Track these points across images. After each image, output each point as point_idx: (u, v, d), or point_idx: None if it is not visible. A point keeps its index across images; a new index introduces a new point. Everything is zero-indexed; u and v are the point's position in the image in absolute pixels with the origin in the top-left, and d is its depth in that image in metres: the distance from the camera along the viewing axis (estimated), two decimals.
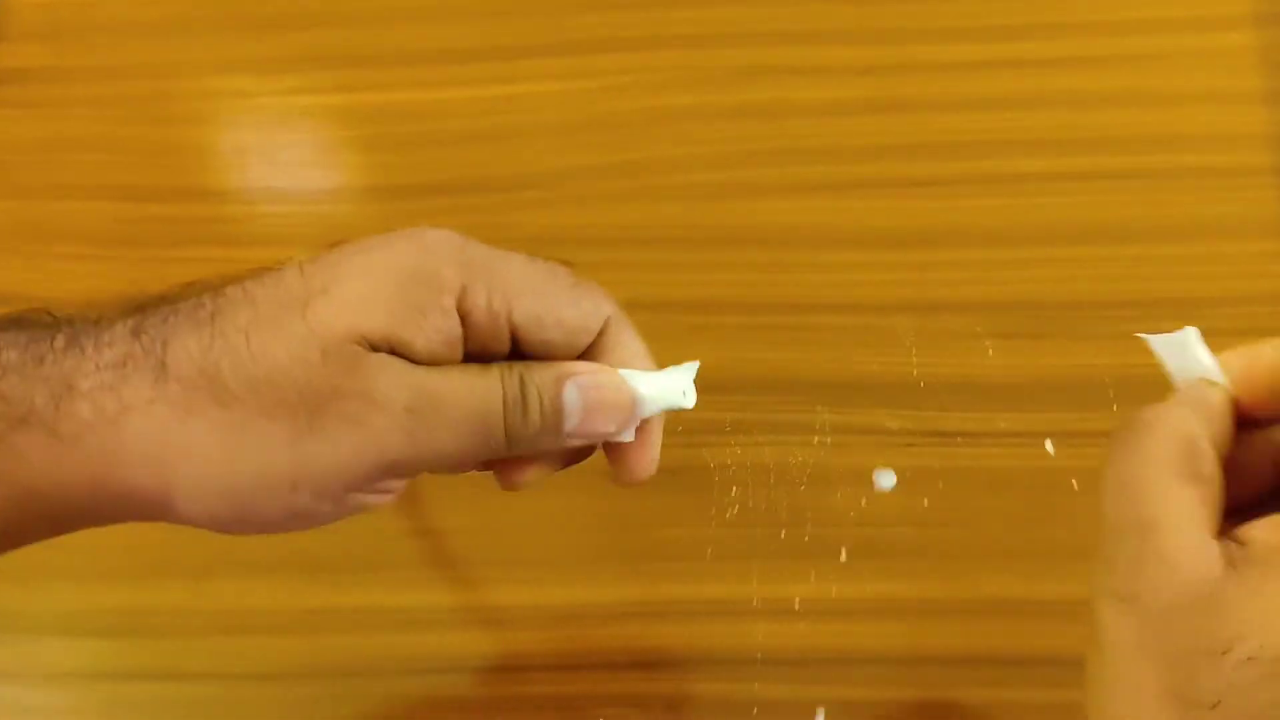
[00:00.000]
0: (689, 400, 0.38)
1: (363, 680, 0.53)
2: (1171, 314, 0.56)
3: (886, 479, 0.54)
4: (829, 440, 0.55)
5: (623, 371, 0.36)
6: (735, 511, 0.55)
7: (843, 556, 0.53)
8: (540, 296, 0.33)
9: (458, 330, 0.32)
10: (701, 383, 0.56)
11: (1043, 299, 0.58)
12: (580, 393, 0.34)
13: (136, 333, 0.31)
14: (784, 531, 0.54)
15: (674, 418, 0.57)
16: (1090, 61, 0.62)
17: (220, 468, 0.31)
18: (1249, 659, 0.27)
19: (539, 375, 0.33)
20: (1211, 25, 0.62)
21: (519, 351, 0.34)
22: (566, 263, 0.35)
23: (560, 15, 0.66)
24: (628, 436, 0.36)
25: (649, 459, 0.37)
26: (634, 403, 0.35)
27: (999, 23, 0.63)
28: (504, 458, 0.35)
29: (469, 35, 0.66)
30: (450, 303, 0.32)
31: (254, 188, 0.65)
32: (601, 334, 0.35)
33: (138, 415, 0.30)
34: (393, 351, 0.31)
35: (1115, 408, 0.55)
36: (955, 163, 0.61)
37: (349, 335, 0.30)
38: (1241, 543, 0.29)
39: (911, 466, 0.55)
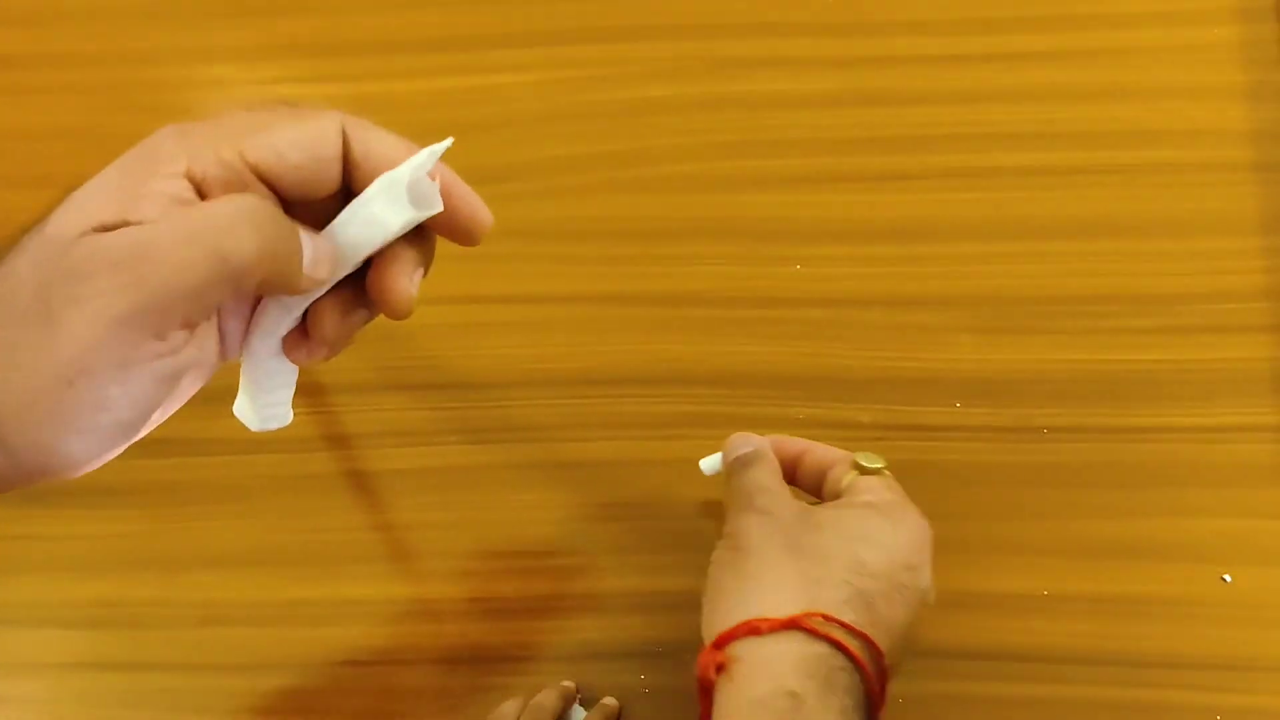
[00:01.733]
0: (435, 204, 0.37)
1: (334, 671, 0.53)
2: (1148, 309, 0.57)
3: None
4: (801, 434, 0.55)
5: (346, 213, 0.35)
6: (708, 503, 0.55)
7: None
8: (267, 131, 0.33)
9: (187, 193, 0.32)
10: (676, 375, 0.57)
11: (1019, 294, 0.58)
12: (310, 240, 0.34)
13: None
14: None
15: (647, 412, 0.57)
16: (1069, 56, 0.62)
17: (3, 395, 0.30)
18: (833, 533, 0.44)
19: (262, 206, 0.33)
20: (1192, 20, 0.62)
21: (274, 190, 0.34)
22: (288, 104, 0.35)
23: (539, 6, 0.65)
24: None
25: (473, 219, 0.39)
26: (327, 258, 0.35)
27: (977, 16, 0.63)
28: (273, 290, 0.34)
29: (447, 25, 0.66)
30: (173, 169, 0.32)
31: None
32: (348, 142, 0.35)
33: None
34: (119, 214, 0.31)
35: (1091, 402, 0.55)
36: (932, 156, 0.60)
37: (81, 230, 0.30)
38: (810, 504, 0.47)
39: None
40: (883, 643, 0.42)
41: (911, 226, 0.59)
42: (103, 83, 0.67)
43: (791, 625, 0.41)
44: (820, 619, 0.41)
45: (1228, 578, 0.52)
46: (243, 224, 0.32)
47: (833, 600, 0.42)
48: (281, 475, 0.57)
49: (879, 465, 0.48)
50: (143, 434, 0.33)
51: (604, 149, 0.62)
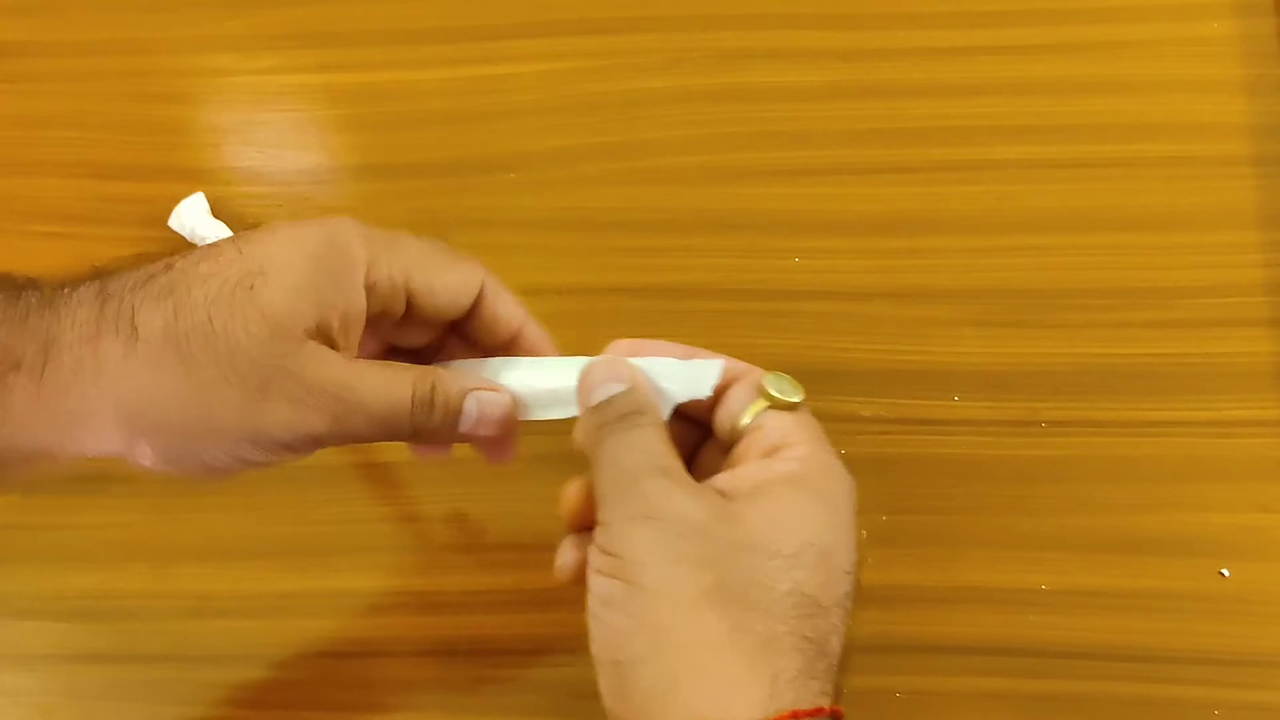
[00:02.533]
0: (706, 389, 0.40)
1: (328, 663, 0.53)
2: (1149, 303, 0.57)
3: None
4: None
5: (638, 361, 0.40)
6: None
7: None
8: (430, 269, 0.41)
9: (363, 304, 0.39)
10: None
11: (1021, 287, 0.57)
12: (479, 406, 0.41)
13: (103, 298, 0.37)
14: None
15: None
16: (1071, 49, 0.62)
17: (183, 419, 0.36)
18: (768, 557, 0.34)
19: (448, 385, 0.41)
20: (1192, 13, 0.62)
21: (410, 312, 0.41)
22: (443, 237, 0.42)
23: None
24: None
25: (503, 453, 0.45)
26: (514, 414, 0.42)
27: (979, 9, 0.63)
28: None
29: (449, 15, 0.66)
30: (361, 279, 0.39)
31: (232, 167, 0.64)
32: (480, 295, 0.43)
33: (114, 367, 0.36)
34: (319, 329, 0.38)
35: (1092, 396, 0.55)
36: (934, 149, 0.60)
37: (290, 319, 0.37)
38: (721, 484, 0.36)
39: (885, 454, 0.55)
40: (838, 694, 0.34)
41: (913, 219, 0.59)
42: (100, 71, 0.66)
43: None
44: (806, 717, 0.32)
45: (1225, 572, 0.52)
46: (423, 412, 0.40)
47: (791, 671, 0.33)
48: (277, 466, 0.56)
49: (797, 398, 0.38)
50: None
51: (604, 140, 0.62)
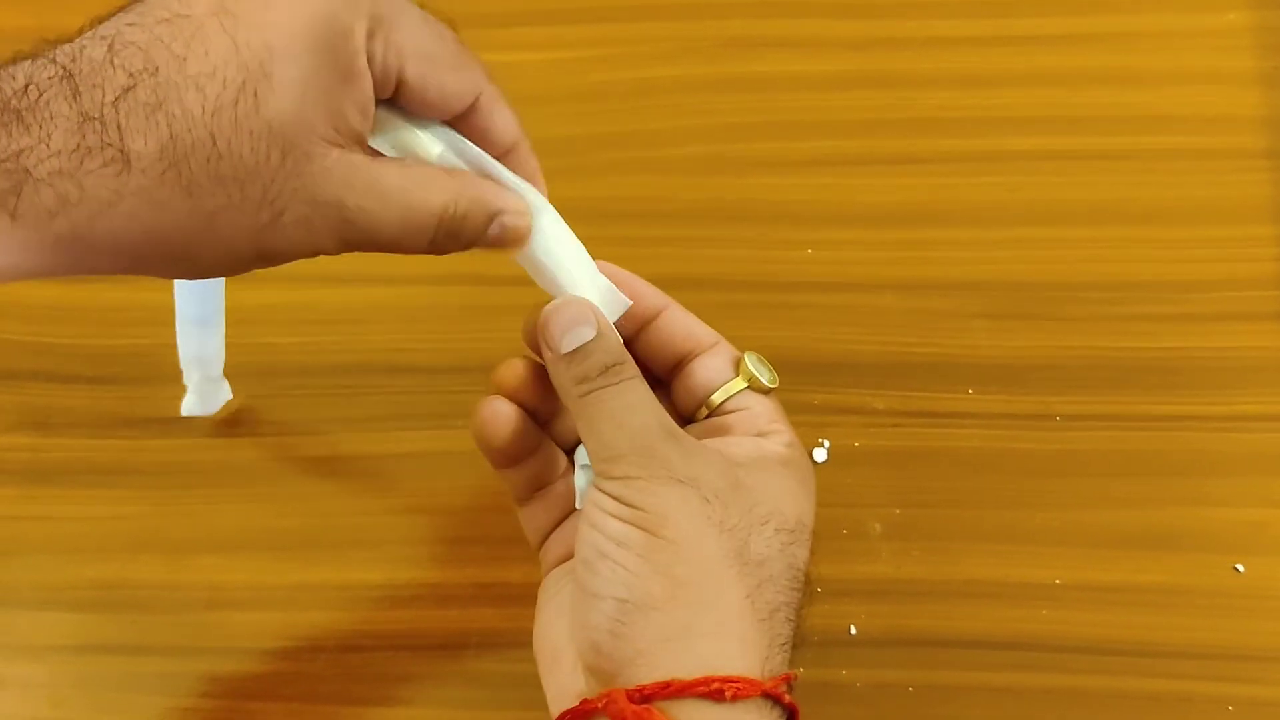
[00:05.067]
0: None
1: (340, 656, 0.53)
2: (1162, 296, 0.57)
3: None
4: (815, 420, 0.55)
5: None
6: None
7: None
8: (429, 61, 0.36)
9: (371, 92, 0.35)
10: None
11: (1034, 280, 0.57)
12: (501, 229, 0.38)
13: (81, 118, 0.31)
14: None
15: None
16: (1084, 39, 0.62)
17: (188, 248, 0.33)
18: (776, 530, 0.35)
19: (476, 206, 0.37)
20: (1206, 5, 0.62)
21: (395, 99, 0.37)
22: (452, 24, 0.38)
23: None
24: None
25: None
26: (530, 236, 0.39)
27: None
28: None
29: (454, 2, 0.65)
30: (364, 63, 0.34)
31: None
32: (475, 105, 0.38)
33: (106, 202, 0.31)
34: (335, 131, 0.34)
35: (1105, 390, 0.55)
36: (946, 140, 0.60)
37: (302, 131, 0.33)
38: (724, 451, 0.37)
39: (898, 447, 0.54)
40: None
41: (924, 211, 0.59)
42: None
43: (770, 694, 0.33)
44: (788, 684, 0.34)
45: (1240, 568, 0.52)
46: (451, 226, 0.37)
47: (782, 639, 0.35)
48: (288, 458, 0.56)
49: (774, 385, 0.39)
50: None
51: (612, 129, 0.62)
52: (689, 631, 0.33)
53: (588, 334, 0.37)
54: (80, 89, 0.31)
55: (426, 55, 0.36)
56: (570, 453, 0.44)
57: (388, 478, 0.56)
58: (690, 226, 0.60)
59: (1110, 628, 0.51)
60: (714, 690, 0.32)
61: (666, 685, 0.32)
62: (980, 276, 0.57)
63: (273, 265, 0.36)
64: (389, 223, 0.35)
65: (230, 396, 0.55)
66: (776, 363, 0.56)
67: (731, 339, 0.57)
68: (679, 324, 0.41)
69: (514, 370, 0.40)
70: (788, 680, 0.34)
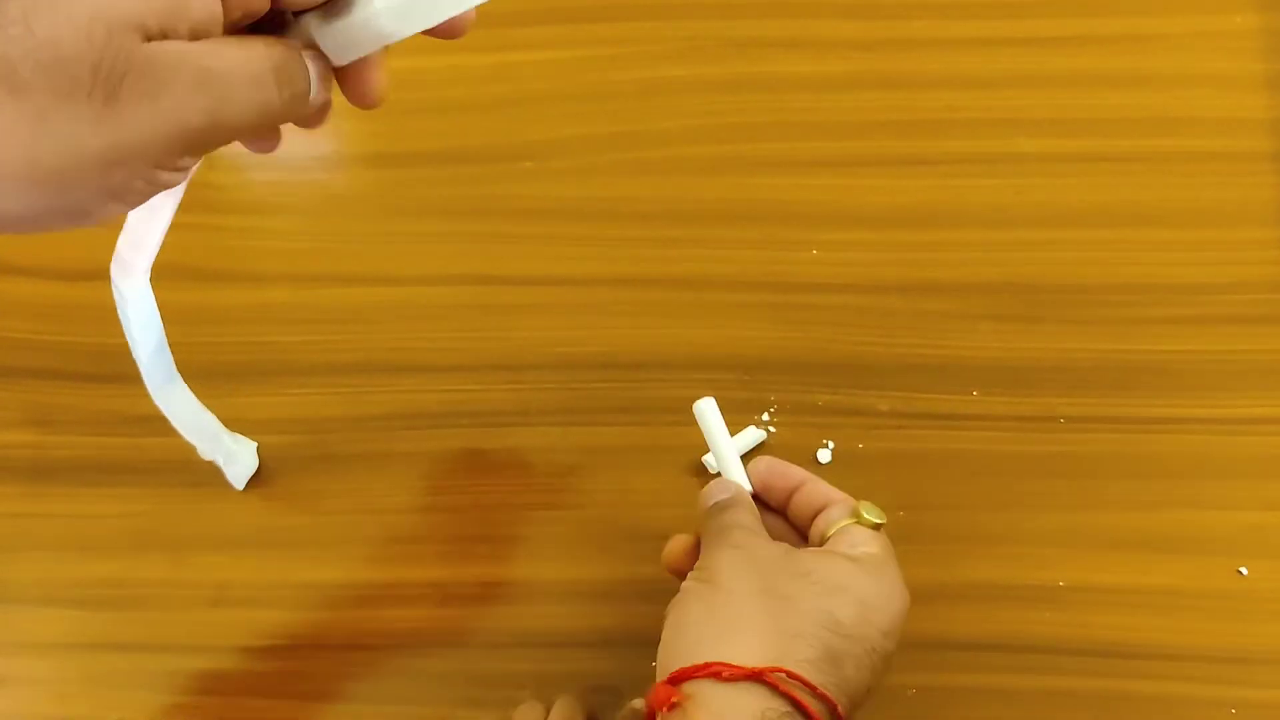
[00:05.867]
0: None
1: (345, 654, 0.53)
2: (1167, 299, 0.57)
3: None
4: (819, 421, 0.55)
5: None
6: None
7: None
8: None
9: (218, 8, 0.33)
10: (693, 359, 0.57)
11: (1039, 282, 0.57)
12: (313, 64, 0.36)
13: None
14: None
15: (664, 396, 0.57)
16: (1092, 41, 0.61)
17: (29, 153, 0.30)
18: (812, 582, 0.42)
19: (293, 53, 0.35)
20: (1214, 8, 0.62)
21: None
22: None
23: None
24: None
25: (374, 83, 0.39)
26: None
27: (999, 0, 0.62)
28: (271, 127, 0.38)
29: None
30: None
31: (244, 153, 0.64)
32: None
33: None
34: (163, 35, 0.32)
35: (1110, 392, 0.55)
36: (953, 141, 0.60)
37: (126, 14, 0.31)
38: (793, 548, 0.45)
39: (902, 449, 0.55)
40: (844, 706, 0.41)
41: (931, 212, 0.59)
42: None
43: (755, 677, 0.39)
44: (785, 675, 0.40)
45: (1244, 570, 0.52)
46: (286, 75, 0.35)
47: (802, 656, 0.40)
48: (294, 457, 0.56)
49: (879, 520, 0.46)
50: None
51: (620, 129, 0.62)
52: (712, 640, 0.41)
53: (725, 494, 0.47)
54: None
55: None
56: None
57: (392, 477, 0.56)
58: (696, 227, 0.60)
59: (1113, 630, 0.51)
60: (713, 671, 0.40)
61: (683, 670, 0.40)
62: (985, 278, 0.57)
63: (132, 183, 0.33)
64: (236, 78, 0.33)
65: (254, 449, 0.56)
66: (782, 363, 0.57)
67: (738, 338, 0.57)
68: (819, 491, 0.47)
69: (671, 550, 0.48)
70: (802, 683, 0.40)
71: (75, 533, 0.56)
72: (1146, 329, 0.56)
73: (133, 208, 0.34)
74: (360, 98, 0.38)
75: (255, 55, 0.34)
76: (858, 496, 0.53)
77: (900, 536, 0.52)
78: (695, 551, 0.47)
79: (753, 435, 0.55)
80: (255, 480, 0.56)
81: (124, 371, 0.58)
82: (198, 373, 0.58)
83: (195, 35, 0.32)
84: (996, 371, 0.56)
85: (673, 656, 0.42)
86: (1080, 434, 0.54)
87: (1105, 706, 0.50)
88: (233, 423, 0.57)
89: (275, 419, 0.57)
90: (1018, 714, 0.50)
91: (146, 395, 0.58)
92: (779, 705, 0.39)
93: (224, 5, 0.33)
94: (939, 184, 0.59)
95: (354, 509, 0.55)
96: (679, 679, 0.40)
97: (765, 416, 0.56)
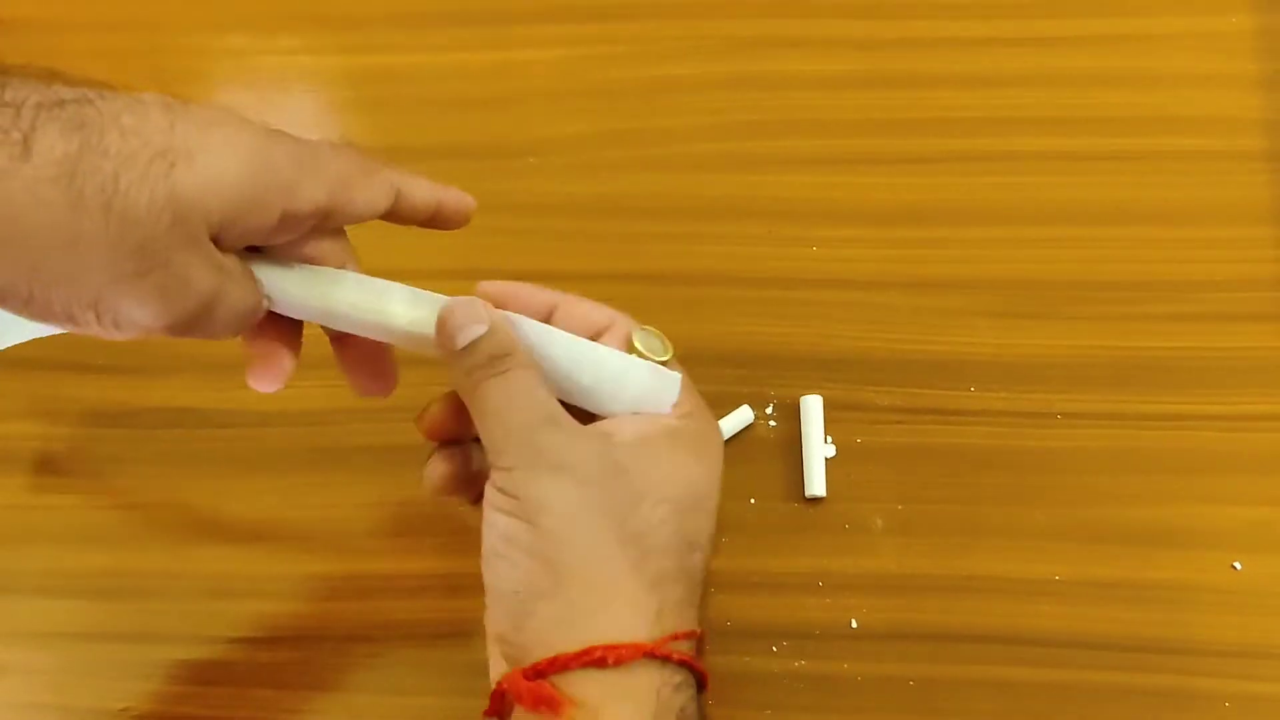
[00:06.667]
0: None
1: (347, 646, 0.53)
2: (1164, 296, 0.57)
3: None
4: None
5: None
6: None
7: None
8: (348, 190, 0.38)
9: (271, 227, 0.36)
10: (692, 354, 0.57)
11: (1037, 278, 0.58)
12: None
13: (2, 104, 0.32)
14: (774, 506, 0.54)
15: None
16: (1090, 41, 0.62)
17: (47, 259, 0.32)
18: (656, 502, 0.37)
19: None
20: (1210, 8, 0.62)
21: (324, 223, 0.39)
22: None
23: None
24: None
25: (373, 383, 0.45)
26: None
27: (999, 0, 0.63)
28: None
29: (469, 0, 0.66)
30: (279, 210, 0.36)
31: None
32: (397, 197, 0.40)
33: None
34: (221, 231, 0.35)
35: (1107, 389, 0.55)
36: (952, 140, 0.61)
37: (197, 215, 0.34)
38: (606, 432, 0.39)
39: (901, 444, 0.55)
40: (701, 618, 0.38)
41: (931, 210, 0.59)
42: (118, 49, 0.66)
43: (649, 654, 0.35)
44: (678, 640, 0.36)
45: (1238, 565, 0.52)
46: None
47: (673, 598, 0.37)
48: (294, 449, 0.57)
49: (666, 356, 0.40)
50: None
51: (623, 126, 0.62)
52: (577, 611, 0.35)
53: (479, 330, 0.38)
54: (5, 87, 0.32)
55: (346, 185, 0.38)
56: None
57: (394, 469, 0.56)
58: (698, 223, 0.60)
59: (1110, 623, 0.51)
60: (596, 659, 0.34)
61: (554, 660, 0.35)
62: (985, 275, 0.58)
63: (88, 328, 0.35)
64: (227, 315, 0.37)
65: None
66: (781, 358, 0.57)
67: (738, 333, 0.57)
68: (575, 314, 0.42)
69: (430, 413, 0.43)
70: (690, 636, 0.36)
71: (77, 524, 0.56)
72: (1144, 326, 0.56)
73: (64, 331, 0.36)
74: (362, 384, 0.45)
75: (252, 299, 0.38)
76: (859, 493, 0.54)
77: (899, 529, 0.53)
78: (459, 415, 0.41)
79: (743, 415, 0.55)
80: (256, 471, 0.56)
81: (129, 364, 0.59)
82: (198, 366, 0.58)
83: (246, 240, 0.36)
84: (995, 367, 0.56)
85: (522, 635, 0.36)
86: (1078, 429, 0.55)
87: (1102, 699, 0.50)
88: (234, 415, 0.57)
89: (276, 411, 0.57)
90: (1015, 706, 0.50)
91: (151, 388, 0.58)
92: (671, 676, 0.36)
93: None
94: (939, 181, 0.60)
95: (355, 501, 0.56)
96: (546, 670, 0.35)
97: (767, 411, 0.56)
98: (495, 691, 0.37)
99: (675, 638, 0.36)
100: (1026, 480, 0.54)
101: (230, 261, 0.36)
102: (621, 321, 0.42)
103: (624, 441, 0.38)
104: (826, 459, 0.54)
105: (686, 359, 0.57)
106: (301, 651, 0.53)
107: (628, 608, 0.36)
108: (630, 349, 0.40)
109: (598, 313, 0.42)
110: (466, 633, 0.53)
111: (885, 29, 0.63)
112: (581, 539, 0.36)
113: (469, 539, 0.54)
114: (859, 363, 0.56)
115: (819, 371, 0.56)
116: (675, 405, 0.40)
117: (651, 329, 0.41)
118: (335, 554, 0.55)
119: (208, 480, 0.56)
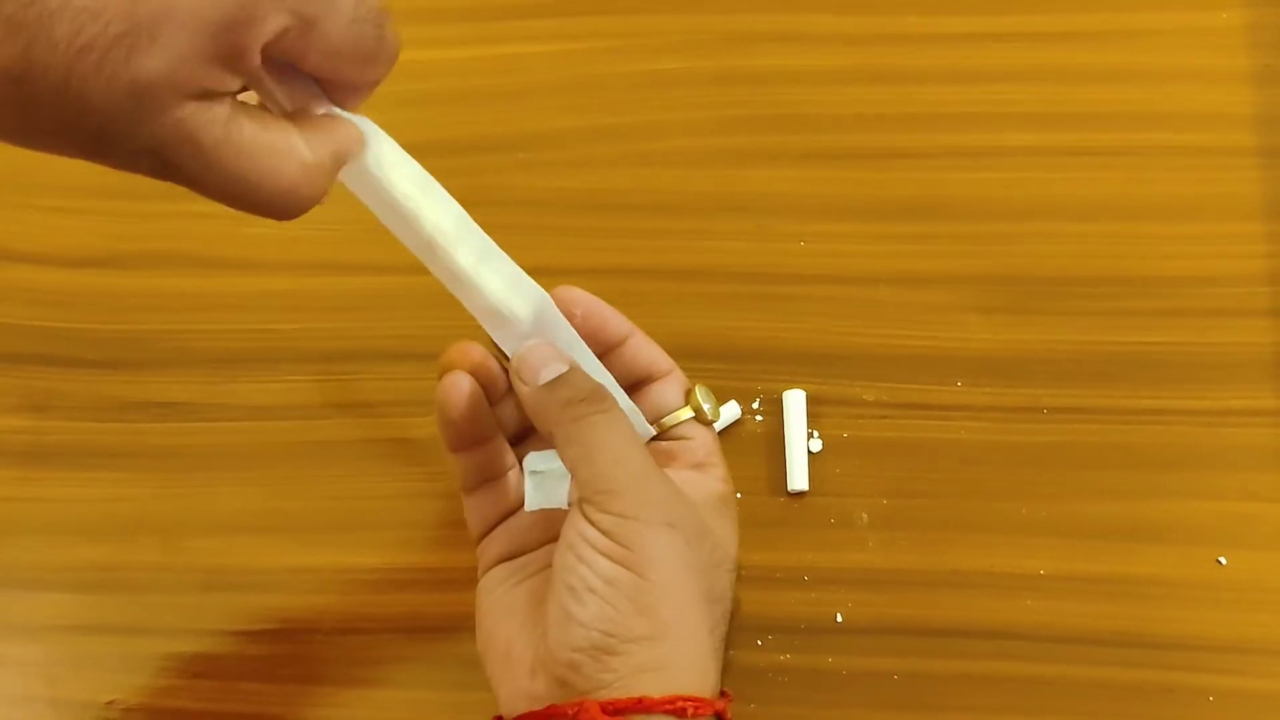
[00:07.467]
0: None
1: (339, 639, 0.54)
2: (1151, 292, 0.57)
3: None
4: (806, 410, 0.56)
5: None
6: None
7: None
8: (335, 58, 0.35)
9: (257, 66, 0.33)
10: (683, 349, 0.57)
11: (1025, 274, 0.58)
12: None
13: None
14: (760, 500, 0.54)
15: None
16: (1080, 36, 0.62)
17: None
18: (730, 567, 0.41)
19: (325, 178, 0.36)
20: (1201, 3, 0.62)
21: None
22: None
23: None
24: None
25: None
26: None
27: None
28: None
29: None
30: (256, 59, 0.32)
31: None
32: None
33: None
34: (201, 91, 0.32)
35: (1093, 384, 0.55)
36: (941, 135, 0.61)
37: (167, 87, 0.30)
38: (685, 491, 0.42)
39: (886, 438, 0.55)
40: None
41: (920, 205, 0.59)
42: None
43: (717, 713, 0.37)
44: (727, 701, 0.39)
45: (1223, 560, 0.52)
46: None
47: (714, 649, 0.39)
48: (287, 442, 0.57)
49: (715, 417, 0.43)
50: None
51: (613, 121, 0.62)
52: (668, 662, 0.37)
53: (561, 369, 0.40)
54: None
55: (335, 52, 0.35)
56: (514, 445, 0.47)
57: (387, 462, 0.56)
58: (687, 218, 0.60)
59: (1094, 618, 0.52)
60: (678, 708, 0.36)
61: (639, 701, 0.36)
62: (973, 270, 0.58)
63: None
64: (224, 192, 0.34)
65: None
66: (770, 353, 0.57)
67: (728, 328, 0.58)
68: (643, 351, 0.44)
69: (465, 352, 0.43)
70: (728, 699, 0.40)
71: (69, 517, 0.56)
72: (1130, 321, 0.56)
73: None
74: None
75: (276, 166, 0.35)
76: (845, 487, 0.54)
77: (884, 524, 0.54)
78: (485, 369, 0.42)
79: (730, 411, 0.55)
80: (246, 464, 0.57)
81: (121, 358, 0.59)
82: (195, 360, 0.59)
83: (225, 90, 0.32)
84: (982, 362, 0.56)
85: (603, 671, 0.37)
86: (1064, 424, 0.55)
87: (1085, 693, 0.51)
88: (226, 408, 0.57)
89: (271, 405, 0.58)
90: (999, 700, 0.51)
91: (142, 382, 0.59)
92: None
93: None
94: (927, 177, 0.60)
95: (348, 494, 0.56)
96: (627, 709, 0.36)
97: (754, 406, 0.56)
98: (549, 712, 0.37)
99: (727, 698, 0.39)
100: (1012, 475, 0.54)
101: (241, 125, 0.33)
102: (679, 373, 0.45)
103: (700, 502, 0.42)
104: (812, 453, 0.55)
105: (674, 353, 0.57)
106: (291, 644, 0.54)
107: (701, 663, 0.38)
108: (691, 403, 0.43)
109: (664, 360, 0.44)
110: (456, 627, 0.53)
111: (874, 25, 0.63)
112: (682, 595, 0.38)
113: (459, 533, 0.55)
114: (846, 358, 0.57)
115: (806, 366, 0.57)
116: (715, 469, 0.44)
117: (705, 387, 0.44)
118: (325, 547, 0.55)
119: (198, 473, 0.57)
